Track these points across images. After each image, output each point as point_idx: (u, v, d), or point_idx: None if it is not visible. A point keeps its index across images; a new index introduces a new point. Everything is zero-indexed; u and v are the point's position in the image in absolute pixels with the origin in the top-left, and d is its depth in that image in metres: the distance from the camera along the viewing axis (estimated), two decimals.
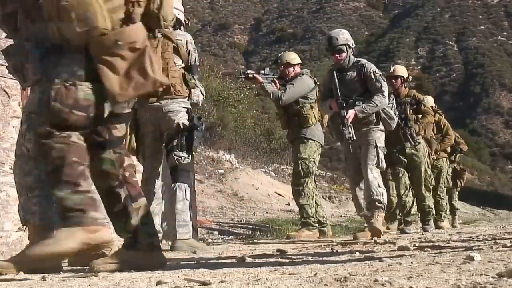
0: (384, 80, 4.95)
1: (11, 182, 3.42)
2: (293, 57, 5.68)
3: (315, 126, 5.46)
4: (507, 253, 2.33)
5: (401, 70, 6.42)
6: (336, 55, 4.94)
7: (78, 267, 2.68)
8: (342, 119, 4.77)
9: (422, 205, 6.35)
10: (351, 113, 4.79)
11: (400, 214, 6.52)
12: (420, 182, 6.30)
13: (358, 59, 5.04)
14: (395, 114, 5.19)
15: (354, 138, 4.72)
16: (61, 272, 2.46)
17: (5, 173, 3.70)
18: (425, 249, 2.92)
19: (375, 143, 4.86)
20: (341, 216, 10.23)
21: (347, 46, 4.95)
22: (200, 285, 1.73)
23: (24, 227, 2.64)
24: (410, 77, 6.36)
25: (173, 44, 4.10)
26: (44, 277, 2.19)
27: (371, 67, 4.95)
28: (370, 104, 4.84)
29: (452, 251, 2.69)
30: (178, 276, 2.04)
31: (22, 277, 2.32)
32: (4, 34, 3.56)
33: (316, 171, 5.40)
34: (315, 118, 5.42)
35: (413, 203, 6.39)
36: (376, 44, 71.27)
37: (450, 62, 66.53)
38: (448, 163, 7.98)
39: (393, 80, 6.24)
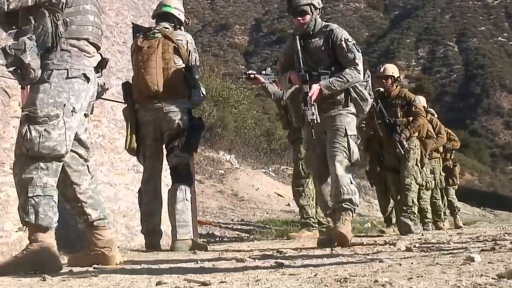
0: (358, 51, 3.98)
1: (11, 182, 3.42)
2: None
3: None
4: (507, 254, 2.33)
5: (391, 69, 5.99)
6: (298, 18, 3.98)
7: (78, 267, 2.68)
8: (304, 96, 3.82)
9: (404, 195, 5.82)
10: (315, 89, 3.83)
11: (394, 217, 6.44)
12: (405, 174, 5.77)
13: (327, 23, 4.10)
14: (370, 95, 4.12)
15: (318, 120, 3.76)
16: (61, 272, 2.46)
17: (5, 173, 3.70)
18: (425, 250, 2.92)
19: (345, 130, 3.91)
20: None
21: (312, 7, 3.99)
22: (200, 285, 1.73)
23: (24, 227, 2.64)
24: (402, 76, 6.17)
25: (174, 45, 4.10)
26: (44, 277, 2.19)
27: (342, 33, 3.98)
28: (339, 79, 3.89)
29: (452, 252, 2.69)
30: (178, 276, 2.04)
31: (22, 277, 2.32)
32: (4, 34, 3.56)
33: None
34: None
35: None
36: (376, 44, 71.29)
37: (451, 63, 66.54)
38: (441, 162, 7.87)
39: (384, 80, 5.89)
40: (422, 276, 1.67)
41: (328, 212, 4.05)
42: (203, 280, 1.79)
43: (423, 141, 6.28)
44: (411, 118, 5.86)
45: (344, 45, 3.95)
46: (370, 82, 4.23)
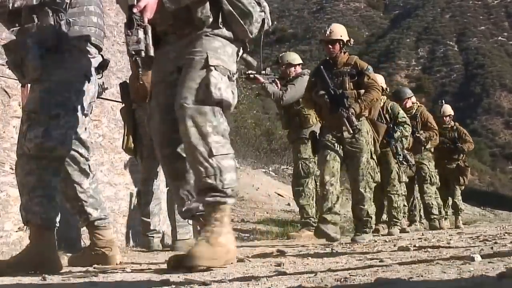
0: None
1: (12, 182, 3.42)
2: (294, 58, 5.68)
3: (316, 126, 5.46)
4: (508, 253, 2.32)
5: (339, 31, 4.76)
6: None
7: (78, 267, 2.68)
8: (129, 13, 2.25)
9: (358, 208, 4.62)
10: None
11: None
12: (358, 177, 4.57)
13: None
14: (260, 5, 2.54)
15: (150, 53, 2.29)
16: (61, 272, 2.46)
17: (6, 173, 3.69)
18: (425, 250, 2.92)
19: (205, 59, 2.37)
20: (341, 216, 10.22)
21: None
22: (200, 285, 1.73)
23: (25, 227, 2.64)
24: (352, 41, 4.81)
25: None
26: (44, 277, 2.19)
27: None
28: None
29: (452, 252, 2.69)
30: (178, 276, 2.03)
31: (23, 277, 2.32)
32: (4, 33, 3.56)
33: (317, 172, 5.34)
34: (315, 118, 5.42)
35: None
36: (376, 44, 71.28)
37: (451, 62, 66.55)
38: (432, 159, 7.76)
39: (330, 46, 4.70)
40: (422, 276, 1.67)
41: (182, 210, 2.55)
42: (203, 280, 1.79)
43: (375, 124, 4.91)
44: (362, 91, 4.63)
45: None
46: None
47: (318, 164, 4.79)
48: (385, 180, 5.88)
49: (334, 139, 4.55)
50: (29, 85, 2.74)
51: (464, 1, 74.36)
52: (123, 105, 4.25)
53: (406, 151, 6.42)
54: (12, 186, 3.42)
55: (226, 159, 2.28)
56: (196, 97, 2.28)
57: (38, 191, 2.52)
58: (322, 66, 4.61)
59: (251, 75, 5.36)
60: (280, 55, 5.89)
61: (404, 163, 6.31)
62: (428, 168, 7.11)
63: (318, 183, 5.04)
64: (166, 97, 2.45)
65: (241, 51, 2.63)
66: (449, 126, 8.07)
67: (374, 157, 4.74)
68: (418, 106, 7.29)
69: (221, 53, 2.42)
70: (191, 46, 2.41)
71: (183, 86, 2.32)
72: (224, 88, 2.35)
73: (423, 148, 6.97)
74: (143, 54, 2.28)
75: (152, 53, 2.30)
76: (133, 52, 2.28)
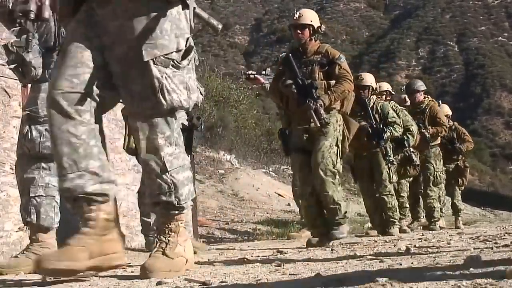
0: None
1: (12, 182, 3.42)
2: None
3: None
4: (508, 253, 2.32)
5: (310, 16, 4.40)
6: None
7: None
8: None
9: (322, 196, 4.12)
10: None
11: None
12: (317, 160, 4.08)
13: None
14: None
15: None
16: None
17: (6, 173, 3.70)
18: (425, 250, 2.91)
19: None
20: None
21: None
22: (200, 285, 1.73)
23: (25, 227, 2.64)
24: (324, 27, 4.37)
25: None
26: (44, 277, 2.19)
27: None
28: None
29: (452, 252, 2.69)
30: (179, 276, 2.03)
31: (23, 277, 2.32)
32: (4, 33, 3.56)
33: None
34: None
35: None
36: (376, 44, 71.26)
37: (451, 62, 66.51)
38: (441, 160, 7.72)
39: (299, 31, 4.29)
40: (422, 276, 1.67)
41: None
42: (203, 280, 1.79)
43: (347, 120, 4.44)
44: (333, 82, 4.26)
45: None
46: None
47: (292, 169, 4.48)
48: (377, 182, 5.81)
49: (305, 135, 4.21)
50: (29, 85, 2.74)
51: (465, 1, 74.35)
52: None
53: (412, 150, 6.31)
54: (12, 186, 3.42)
55: (182, 172, 2.14)
56: (143, 105, 2.05)
57: (39, 191, 2.52)
58: (290, 54, 4.25)
59: (251, 76, 5.37)
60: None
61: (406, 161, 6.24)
62: (433, 167, 6.96)
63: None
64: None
65: (186, 8, 2.16)
66: (448, 126, 8.01)
67: (340, 145, 4.20)
68: (429, 100, 7.16)
69: (157, 35, 2.02)
70: (118, 26, 2.02)
71: (126, 89, 2.08)
72: (173, 88, 2.05)
73: (429, 145, 6.85)
74: (32, 16, 1.90)
75: (47, 15, 2.02)
76: (20, 14, 1.91)
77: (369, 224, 7.36)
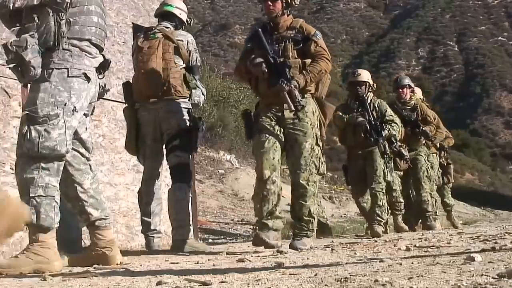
0: None
1: (12, 182, 3.42)
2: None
3: None
4: (508, 253, 2.32)
5: None
6: None
7: (78, 267, 2.68)
8: None
9: (299, 204, 3.73)
10: None
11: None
12: (300, 167, 3.68)
13: None
14: None
15: None
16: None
17: (6, 173, 3.70)
18: (426, 250, 2.92)
19: None
20: (341, 216, 10.23)
21: None
22: (200, 285, 1.73)
23: (25, 227, 2.64)
24: (298, 0, 3.88)
25: (174, 45, 4.10)
26: (44, 277, 2.19)
27: None
28: None
29: (452, 252, 2.69)
30: (178, 276, 2.04)
31: (23, 277, 2.32)
32: (4, 33, 3.56)
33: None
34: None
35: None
36: (376, 44, 71.27)
37: (451, 62, 66.52)
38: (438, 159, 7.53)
39: (269, 2, 3.78)
40: (422, 276, 1.67)
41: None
42: (203, 280, 1.79)
43: (322, 104, 3.95)
44: (308, 60, 3.74)
45: None
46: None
47: (253, 152, 3.82)
48: (370, 177, 5.54)
49: (274, 119, 3.71)
50: (29, 85, 2.74)
51: (464, 1, 74.35)
52: (126, 105, 4.25)
53: (399, 144, 6.10)
54: (13, 186, 3.42)
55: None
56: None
57: (38, 191, 2.52)
58: (260, 29, 3.75)
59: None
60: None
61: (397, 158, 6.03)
62: (424, 160, 6.73)
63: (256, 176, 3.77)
64: None
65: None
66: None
67: (320, 143, 3.79)
68: (417, 98, 6.98)
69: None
70: None
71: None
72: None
73: (421, 142, 6.66)
74: None
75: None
76: None
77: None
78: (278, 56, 3.65)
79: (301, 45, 3.73)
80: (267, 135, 3.67)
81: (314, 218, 3.71)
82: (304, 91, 3.67)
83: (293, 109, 3.53)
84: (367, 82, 5.69)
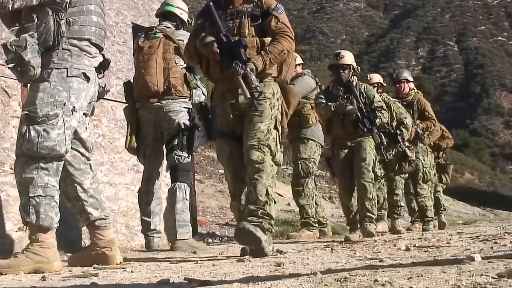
0: None
1: (11, 182, 3.42)
2: (294, 58, 5.65)
3: (315, 126, 5.46)
4: (508, 253, 2.33)
5: None
6: None
7: (78, 267, 2.68)
8: None
9: (250, 187, 3.08)
10: None
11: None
12: (252, 145, 3.07)
13: None
14: None
15: None
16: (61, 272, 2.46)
17: (5, 173, 3.70)
18: (425, 250, 2.92)
19: None
20: (341, 216, 10.22)
21: None
22: (200, 285, 1.73)
23: (25, 227, 2.64)
24: None
25: (175, 45, 4.10)
26: (44, 277, 2.19)
27: None
28: None
29: (452, 252, 2.69)
30: (178, 276, 2.04)
31: (23, 276, 2.32)
32: (4, 33, 3.56)
33: (316, 171, 5.24)
34: (315, 118, 5.41)
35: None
36: (376, 44, 71.31)
37: (451, 62, 66.58)
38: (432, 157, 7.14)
39: None
40: (422, 276, 1.67)
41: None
42: (203, 280, 1.79)
43: (286, 90, 3.34)
44: (268, 39, 3.17)
45: None
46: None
47: (218, 158, 3.37)
48: (357, 167, 4.88)
49: (231, 112, 3.17)
50: (29, 84, 2.74)
51: (464, 1, 74.36)
52: (127, 104, 4.25)
53: (407, 144, 5.85)
54: (12, 186, 3.42)
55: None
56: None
57: (38, 191, 2.52)
58: (211, 3, 3.20)
59: None
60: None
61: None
62: (422, 164, 6.48)
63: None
64: None
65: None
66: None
67: (279, 128, 3.16)
68: (416, 92, 6.76)
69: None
70: None
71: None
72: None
73: (418, 140, 6.42)
74: None
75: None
76: None
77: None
78: (232, 35, 3.12)
79: (260, 21, 3.17)
80: (228, 141, 3.21)
81: (273, 202, 3.01)
82: (263, 75, 3.12)
83: (249, 96, 2.96)
84: (351, 65, 5.03)
